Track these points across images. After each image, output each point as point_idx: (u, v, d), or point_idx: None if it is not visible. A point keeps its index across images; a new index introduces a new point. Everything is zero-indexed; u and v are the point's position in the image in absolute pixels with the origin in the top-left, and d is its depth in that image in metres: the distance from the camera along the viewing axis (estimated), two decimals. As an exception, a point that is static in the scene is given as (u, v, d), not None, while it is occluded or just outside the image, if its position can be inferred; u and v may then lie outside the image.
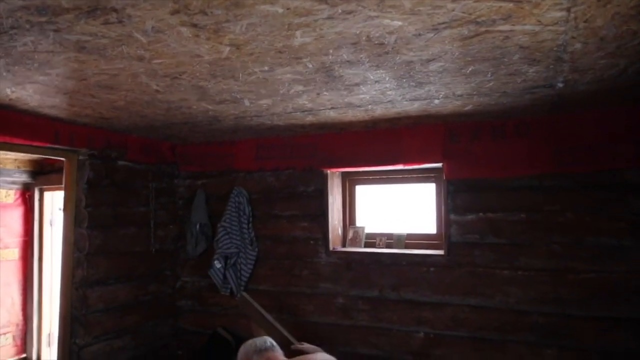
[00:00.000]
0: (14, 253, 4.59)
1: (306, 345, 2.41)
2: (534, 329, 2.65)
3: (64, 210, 3.09)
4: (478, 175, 2.79)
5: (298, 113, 2.54)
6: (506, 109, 2.46)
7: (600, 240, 2.54)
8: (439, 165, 2.93)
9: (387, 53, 1.60)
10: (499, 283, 2.72)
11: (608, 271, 2.52)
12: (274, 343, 2.14)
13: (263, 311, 2.52)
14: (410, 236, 3.12)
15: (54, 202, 4.66)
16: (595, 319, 2.53)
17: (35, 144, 2.71)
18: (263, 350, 2.08)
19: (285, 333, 2.47)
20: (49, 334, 4.56)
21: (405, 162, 2.95)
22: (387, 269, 2.98)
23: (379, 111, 2.50)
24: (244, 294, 2.63)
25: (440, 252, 2.89)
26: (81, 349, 3.03)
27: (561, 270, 2.61)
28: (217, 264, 3.28)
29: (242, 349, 2.14)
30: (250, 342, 2.16)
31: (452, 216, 2.82)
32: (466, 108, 2.44)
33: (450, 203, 2.83)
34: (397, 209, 3.32)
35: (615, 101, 2.36)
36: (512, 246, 2.71)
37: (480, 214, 2.77)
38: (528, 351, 2.66)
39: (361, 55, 1.63)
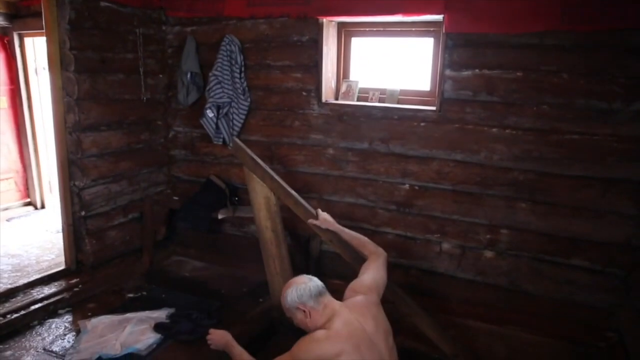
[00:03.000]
0: (3, 101, 4.53)
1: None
2: (512, 185, 2.79)
3: (48, 52, 2.98)
4: (479, 30, 2.68)
5: (294, -52, 2.33)
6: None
7: (590, 102, 2.56)
8: (439, 18, 2.79)
9: None
10: (486, 140, 2.79)
11: (591, 133, 2.58)
12: (325, 286, 2.01)
13: (256, 157, 2.60)
14: (403, 92, 3.10)
15: (35, 49, 4.47)
16: (571, 178, 2.67)
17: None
18: (318, 295, 1.94)
19: (278, 178, 2.58)
20: (49, 182, 4.73)
21: (405, 12, 2.80)
22: (378, 122, 3.02)
23: (383, -50, 2.30)
24: (236, 139, 2.68)
25: (432, 107, 2.90)
26: (81, 190, 3.17)
27: (547, 130, 2.67)
28: (210, 113, 3.28)
29: (293, 292, 1.94)
30: (300, 284, 1.97)
31: (448, 72, 2.78)
32: (476, -50, 2.25)
33: (447, 58, 2.77)
34: (392, 65, 3.24)
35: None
36: (504, 104, 2.72)
37: (477, 70, 2.73)
38: (504, 204, 2.83)
39: None
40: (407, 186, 3.03)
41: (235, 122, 3.35)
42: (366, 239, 2.36)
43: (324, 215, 2.49)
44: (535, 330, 2.81)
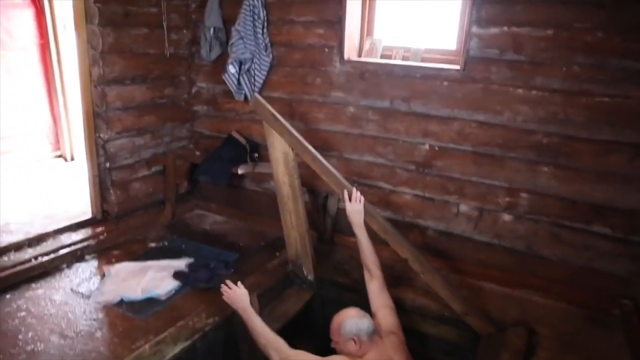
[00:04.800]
0: (34, 56, 4.62)
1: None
2: (535, 148, 2.72)
3: (73, 5, 3.01)
4: (510, -17, 2.56)
5: None
6: None
7: (625, 62, 2.43)
8: (469, -29, 2.68)
9: None
10: (511, 101, 2.71)
11: (624, 96, 2.46)
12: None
13: (275, 113, 2.60)
14: (427, 51, 3.02)
15: (63, 3, 4.52)
16: (598, 142, 2.57)
17: None
18: (372, 334, 2.14)
19: (296, 134, 2.58)
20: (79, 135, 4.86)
21: (432, -35, 2.70)
22: (400, 80, 2.95)
23: None
24: (257, 95, 2.68)
25: (456, 66, 2.82)
26: (106, 142, 3.25)
27: (576, 92, 2.56)
28: (232, 69, 3.28)
29: (353, 324, 2.12)
30: (362, 319, 2.15)
31: (475, 29, 2.68)
32: None
33: (475, 14, 2.66)
34: (418, 23, 3.14)
35: None
36: (531, 64, 2.62)
37: (505, 27, 2.62)
38: (525, 167, 2.77)
39: None
40: (427, 146, 3.00)
41: (257, 78, 3.34)
42: (375, 257, 2.48)
43: (354, 206, 2.47)
44: (549, 295, 2.80)
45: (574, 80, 2.55)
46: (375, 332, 2.19)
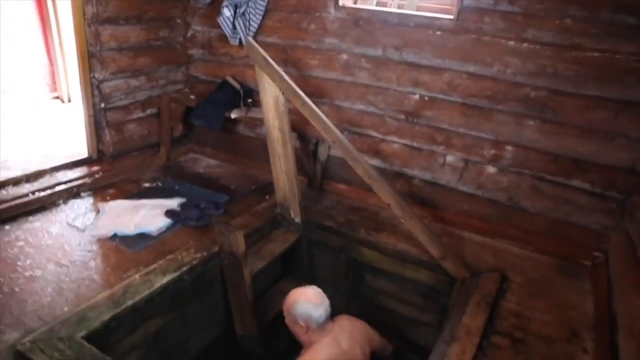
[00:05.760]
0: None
1: None
2: (522, 101, 2.75)
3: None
4: None
5: None
6: None
7: (618, 16, 2.41)
8: None
9: None
10: (502, 53, 2.71)
11: (614, 51, 2.46)
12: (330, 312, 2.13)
13: (267, 57, 2.61)
14: (423, -1, 3.00)
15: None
16: (584, 97, 2.60)
17: None
18: (323, 324, 2.09)
19: (287, 78, 2.59)
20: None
21: None
22: (393, 28, 2.94)
23: None
24: (250, 39, 2.68)
25: (450, 16, 2.80)
26: (100, 82, 3.27)
27: (566, 46, 2.56)
28: (227, 12, 3.26)
29: (305, 308, 2.06)
30: (316, 304, 2.07)
31: (470, -23, 2.66)
32: None
33: (472, -39, 2.63)
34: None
35: None
36: (525, 16, 2.60)
37: (501, -24, 2.60)
38: (512, 120, 2.81)
39: None
40: (417, 96, 3.02)
41: (252, 22, 3.32)
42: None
43: None
44: (525, 245, 2.91)
45: (566, 33, 2.54)
46: (328, 322, 2.13)
